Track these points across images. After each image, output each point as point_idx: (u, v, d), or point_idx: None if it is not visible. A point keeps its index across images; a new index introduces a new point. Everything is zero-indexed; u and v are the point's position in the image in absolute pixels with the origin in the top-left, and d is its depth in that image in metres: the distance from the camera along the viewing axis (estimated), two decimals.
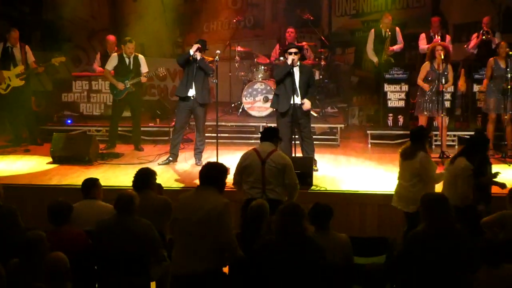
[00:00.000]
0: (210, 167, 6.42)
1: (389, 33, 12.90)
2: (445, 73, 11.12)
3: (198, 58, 10.55)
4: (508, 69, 11.09)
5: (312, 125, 12.22)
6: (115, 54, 11.59)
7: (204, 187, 6.16)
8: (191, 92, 10.65)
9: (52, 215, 6.76)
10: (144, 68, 11.67)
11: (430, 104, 11.17)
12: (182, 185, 9.92)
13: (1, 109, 11.91)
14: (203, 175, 6.29)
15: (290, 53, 10.21)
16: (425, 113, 11.26)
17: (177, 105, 10.95)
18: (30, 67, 11.91)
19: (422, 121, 11.33)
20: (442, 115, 11.11)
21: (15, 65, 11.77)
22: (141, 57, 11.73)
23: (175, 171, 10.64)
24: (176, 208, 6.24)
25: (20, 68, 11.82)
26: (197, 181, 9.72)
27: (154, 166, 9.73)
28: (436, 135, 11.58)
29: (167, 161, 10.93)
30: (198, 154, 10.97)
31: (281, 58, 10.27)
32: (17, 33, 11.89)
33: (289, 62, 10.20)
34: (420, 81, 11.30)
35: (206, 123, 11.48)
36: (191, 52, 10.52)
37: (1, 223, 6.82)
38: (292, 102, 10.04)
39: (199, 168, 10.43)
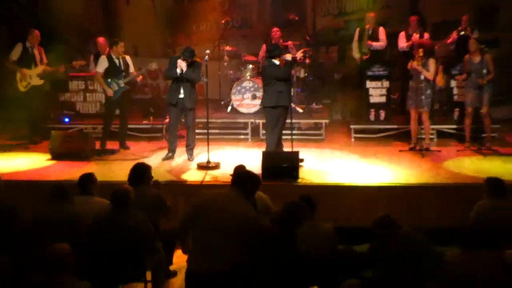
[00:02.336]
0: (253, 176, 6.24)
1: (370, 29, 12.95)
2: (426, 67, 11.15)
3: (184, 70, 10.58)
4: (483, 64, 11.17)
5: (298, 121, 12.37)
6: (104, 56, 11.55)
7: (236, 190, 6.00)
8: (181, 96, 10.70)
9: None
10: (131, 68, 11.66)
11: (416, 98, 11.21)
12: (175, 178, 9.95)
13: (19, 106, 11.91)
14: (243, 180, 6.13)
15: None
16: (415, 107, 11.29)
17: (169, 108, 10.95)
18: (50, 67, 12.00)
19: (414, 115, 11.38)
20: (422, 110, 11.20)
21: (35, 65, 11.79)
22: (128, 57, 11.70)
23: (169, 166, 10.66)
24: (202, 204, 6.02)
25: (41, 68, 11.89)
26: (185, 175, 9.94)
27: (149, 161, 9.73)
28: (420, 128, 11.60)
29: (167, 157, 10.96)
30: (189, 150, 11.00)
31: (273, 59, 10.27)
32: (38, 34, 11.90)
33: (290, 58, 10.35)
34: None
35: (197, 120, 11.53)
36: (178, 72, 10.57)
37: None
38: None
39: (191, 162, 10.61)
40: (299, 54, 11.20)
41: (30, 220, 6.79)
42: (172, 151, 11.01)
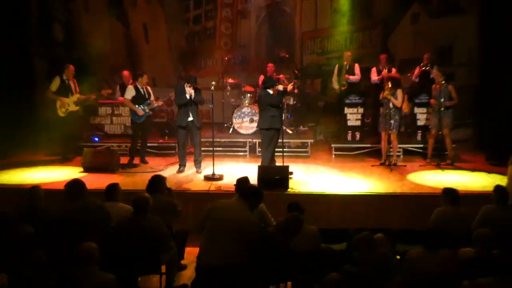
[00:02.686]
0: (258, 191, 6.39)
1: (347, 65, 12.99)
2: (395, 96, 11.21)
3: (193, 96, 10.61)
4: (441, 94, 11.21)
5: (288, 140, 12.35)
6: (131, 86, 11.57)
7: (242, 201, 6.11)
8: (190, 119, 10.71)
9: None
10: (152, 97, 11.67)
11: (386, 122, 11.25)
12: (185, 188, 9.93)
13: (57, 129, 11.87)
14: (250, 192, 6.29)
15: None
16: (385, 129, 11.33)
17: (178, 131, 10.93)
18: (83, 95, 12.00)
19: (384, 136, 11.42)
20: (391, 132, 11.23)
21: (71, 94, 11.78)
22: (149, 88, 11.73)
23: (180, 177, 10.64)
24: (214, 209, 6.11)
25: (77, 96, 11.86)
26: (194, 185, 9.91)
27: (164, 173, 9.74)
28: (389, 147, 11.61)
29: (180, 170, 10.94)
30: (198, 163, 11.00)
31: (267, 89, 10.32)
32: (72, 68, 11.91)
33: (281, 89, 10.44)
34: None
35: (204, 139, 11.56)
36: (187, 97, 10.59)
37: None
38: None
39: (199, 174, 10.59)
40: (290, 86, 11.26)
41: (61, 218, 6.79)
42: (183, 165, 11.01)
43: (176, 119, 11.01)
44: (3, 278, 4.77)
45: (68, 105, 11.76)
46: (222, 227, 5.82)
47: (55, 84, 11.72)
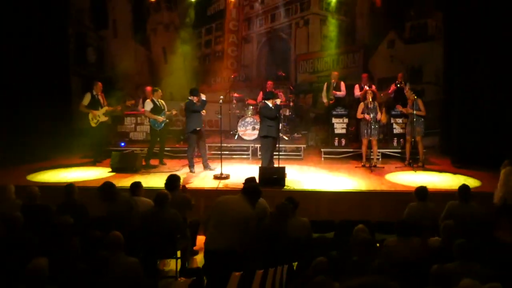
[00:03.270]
0: (257, 189, 6.28)
1: (334, 83, 12.99)
2: (374, 107, 11.20)
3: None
4: (413, 106, 11.20)
5: (284, 145, 12.34)
6: (149, 100, 11.55)
7: (244, 197, 6.07)
8: (201, 125, 10.84)
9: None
10: (166, 108, 11.70)
11: (367, 130, 11.24)
12: (197, 186, 9.92)
13: (90, 137, 11.85)
14: (250, 190, 6.19)
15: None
16: (365, 136, 11.31)
17: (190, 135, 10.91)
18: (111, 107, 12.03)
19: (365, 142, 11.39)
20: (372, 137, 11.22)
21: (101, 107, 11.77)
22: (162, 101, 11.71)
23: (193, 176, 10.64)
24: (220, 203, 6.08)
25: (105, 108, 11.85)
26: (204, 183, 9.89)
27: (180, 173, 9.70)
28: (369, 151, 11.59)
29: (192, 171, 10.94)
30: (205, 162, 11.05)
31: (266, 101, 10.34)
32: (101, 84, 11.93)
33: (279, 102, 10.51)
34: (359, 115, 11.34)
35: (214, 145, 11.55)
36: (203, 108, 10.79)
37: (37, 218, 6.70)
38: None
39: (209, 173, 10.56)
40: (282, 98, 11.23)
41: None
42: (192, 166, 10.99)
43: (188, 126, 10.97)
44: (44, 261, 4.76)
45: (99, 116, 11.75)
46: (226, 217, 5.81)
47: (87, 99, 11.70)
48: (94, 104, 11.72)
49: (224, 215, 5.85)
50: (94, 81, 12.07)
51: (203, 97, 10.88)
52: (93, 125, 11.74)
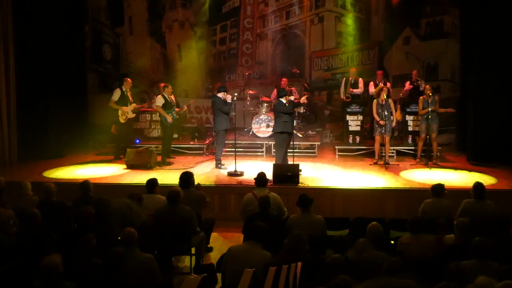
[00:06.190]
0: (263, 227, 5.70)
1: (352, 80, 12.94)
2: (388, 105, 11.14)
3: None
4: (429, 104, 11.12)
5: (298, 142, 12.32)
6: (160, 95, 11.51)
7: (253, 243, 5.58)
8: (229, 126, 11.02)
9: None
10: (178, 105, 11.72)
11: (381, 128, 11.16)
12: (212, 183, 9.93)
13: (119, 132, 11.90)
14: (256, 232, 5.65)
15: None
16: (378, 134, 11.24)
17: (220, 133, 10.94)
18: (139, 104, 12.08)
19: (378, 139, 11.32)
20: (386, 135, 11.16)
21: (130, 103, 11.76)
22: (172, 97, 11.67)
23: (208, 173, 10.65)
24: (231, 258, 5.54)
25: (134, 105, 11.82)
26: (219, 180, 9.86)
27: (194, 170, 9.64)
28: (382, 149, 11.53)
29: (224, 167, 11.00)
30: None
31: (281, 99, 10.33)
32: (130, 81, 11.91)
33: (292, 99, 10.61)
34: (375, 116, 11.18)
35: (228, 142, 11.54)
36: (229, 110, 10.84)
37: (53, 215, 6.71)
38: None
39: (223, 171, 10.56)
40: (303, 99, 11.17)
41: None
42: (220, 162, 11.07)
43: (220, 124, 10.93)
44: (57, 258, 4.80)
45: (128, 113, 11.74)
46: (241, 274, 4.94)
47: (117, 95, 11.64)
48: (124, 100, 11.68)
49: (239, 272, 4.98)
50: (124, 78, 12.07)
51: (229, 98, 10.87)
52: (122, 121, 11.70)
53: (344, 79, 13.21)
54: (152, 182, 7.64)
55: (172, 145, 11.93)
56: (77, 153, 12.54)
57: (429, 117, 11.05)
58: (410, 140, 12.44)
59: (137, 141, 12.82)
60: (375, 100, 11.33)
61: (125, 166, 11.06)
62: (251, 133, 13.07)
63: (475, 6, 11.68)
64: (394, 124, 11.36)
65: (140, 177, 9.96)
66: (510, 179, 10.06)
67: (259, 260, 5.33)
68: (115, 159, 11.81)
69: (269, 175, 9.16)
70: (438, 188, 7.44)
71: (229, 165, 10.90)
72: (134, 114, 11.97)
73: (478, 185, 7.35)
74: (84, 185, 7.43)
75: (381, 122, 11.00)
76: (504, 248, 5.58)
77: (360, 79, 13.02)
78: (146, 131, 13.26)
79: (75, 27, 13.52)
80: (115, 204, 6.86)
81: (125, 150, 11.40)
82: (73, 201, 7.20)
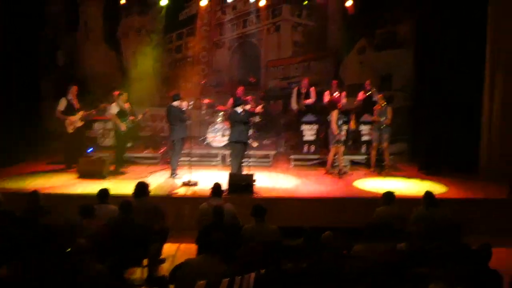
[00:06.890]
0: (220, 238, 5.49)
1: (305, 90, 13.03)
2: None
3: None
4: (381, 113, 11.31)
5: (253, 152, 12.31)
6: (114, 103, 11.35)
7: (209, 256, 5.39)
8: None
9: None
10: (133, 113, 11.59)
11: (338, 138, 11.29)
12: (166, 193, 9.83)
13: (68, 142, 11.60)
14: (213, 245, 5.44)
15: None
16: (335, 144, 11.32)
17: (180, 143, 10.93)
18: (86, 111, 11.74)
19: (333, 150, 11.39)
20: (338, 145, 11.27)
21: (76, 112, 11.50)
22: (127, 104, 11.56)
23: (162, 183, 10.54)
24: (185, 274, 5.30)
25: (81, 113, 11.57)
26: (173, 190, 9.77)
27: (148, 180, 9.55)
28: (334, 159, 11.64)
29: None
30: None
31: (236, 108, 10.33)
32: (76, 88, 11.66)
33: (248, 108, 10.63)
34: (334, 127, 11.20)
35: (182, 151, 11.40)
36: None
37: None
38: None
39: (177, 180, 10.43)
40: (259, 108, 11.22)
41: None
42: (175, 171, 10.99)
43: (176, 133, 10.84)
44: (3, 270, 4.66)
45: (75, 122, 11.51)
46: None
47: (62, 104, 11.42)
48: (70, 109, 11.45)
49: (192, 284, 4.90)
50: (70, 85, 11.78)
51: (184, 106, 10.91)
52: (70, 131, 11.44)
53: (296, 89, 13.29)
54: (104, 192, 7.51)
55: (125, 154, 11.74)
56: (28, 162, 12.22)
57: (381, 127, 11.23)
58: (363, 149, 12.61)
59: (90, 149, 12.59)
60: (335, 111, 11.37)
61: (77, 175, 10.83)
62: (206, 142, 12.99)
63: (429, 17, 11.96)
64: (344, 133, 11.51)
65: (93, 187, 9.76)
66: (460, 188, 10.31)
67: (215, 274, 5.14)
68: (67, 168, 11.55)
69: (224, 184, 9.16)
70: (388, 195, 7.62)
71: (184, 174, 10.80)
72: (83, 122, 11.72)
73: (428, 194, 7.55)
74: (33, 196, 7.25)
75: (339, 136, 11.09)
76: (456, 254, 5.68)
77: (312, 89, 13.14)
78: (100, 140, 13.05)
79: (29, 32, 13.17)
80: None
81: (77, 159, 11.18)
82: (21, 212, 7.00)
